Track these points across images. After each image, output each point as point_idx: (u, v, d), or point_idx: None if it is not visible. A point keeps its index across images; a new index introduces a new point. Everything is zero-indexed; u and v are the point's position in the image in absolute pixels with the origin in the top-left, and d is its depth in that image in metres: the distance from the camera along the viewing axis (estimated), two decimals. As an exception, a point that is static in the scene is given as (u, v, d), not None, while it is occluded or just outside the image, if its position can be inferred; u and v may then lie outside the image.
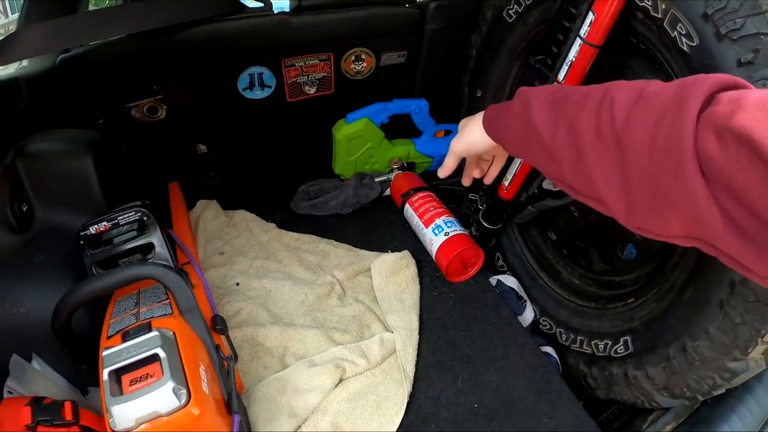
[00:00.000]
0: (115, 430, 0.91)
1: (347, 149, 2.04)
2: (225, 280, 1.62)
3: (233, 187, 2.15)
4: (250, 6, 1.98)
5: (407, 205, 1.79)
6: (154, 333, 1.00)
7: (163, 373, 0.94)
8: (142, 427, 0.91)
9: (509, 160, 1.48)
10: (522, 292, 1.61)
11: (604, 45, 1.15)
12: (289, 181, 2.12)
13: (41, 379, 1.27)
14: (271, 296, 1.55)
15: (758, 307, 0.93)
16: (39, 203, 1.41)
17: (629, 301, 1.29)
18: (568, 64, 1.20)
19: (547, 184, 1.40)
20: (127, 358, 0.97)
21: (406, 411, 1.24)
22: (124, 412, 0.91)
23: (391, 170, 2.04)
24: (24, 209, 1.40)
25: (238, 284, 1.60)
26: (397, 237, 1.79)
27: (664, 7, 1.00)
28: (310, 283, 1.60)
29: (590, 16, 1.11)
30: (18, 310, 1.27)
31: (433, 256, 1.64)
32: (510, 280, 1.63)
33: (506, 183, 1.53)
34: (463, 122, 1.18)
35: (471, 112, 1.72)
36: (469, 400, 1.27)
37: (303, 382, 1.27)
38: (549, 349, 1.46)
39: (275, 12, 1.91)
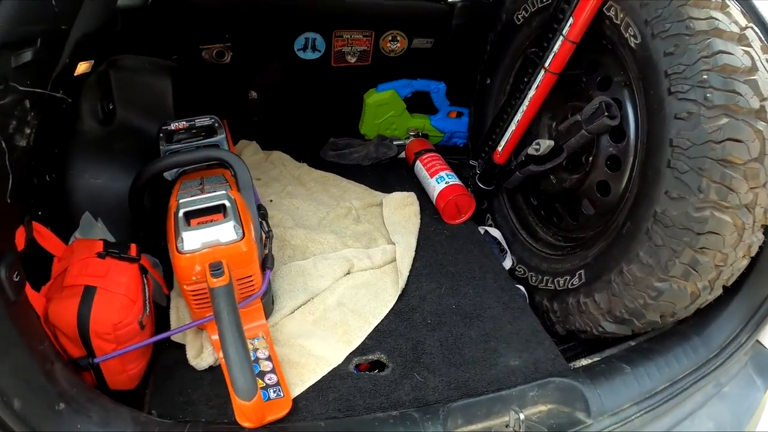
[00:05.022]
0: (183, 251, 1.15)
1: (374, 113, 2.32)
2: (261, 197, 1.86)
3: (272, 133, 2.41)
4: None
5: (418, 162, 2.07)
6: (223, 191, 1.25)
7: (226, 216, 1.20)
8: (205, 250, 1.15)
9: (504, 126, 1.76)
10: (504, 244, 1.87)
11: (580, 44, 1.48)
12: (320, 134, 2.39)
13: (104, 236, 1.46)
14: (298, 211, 1.83)
15: (674, 230, 1.17)
16: (122, 105, 1.69)
17: (587, 245, 1.54)
18: (552, 54, 1.53)
19: (531, 150, 1.64)
20: (199, 204, 1.22)
21: (397, 301, 1.50)
22: (193, 237, 1.16)
23: (408, 137, 2.33)
24: (110, 108, 1.66)
25: (271, 201, 1.88)
26: (405, 188, 2.01)
27: (621, 15, 1.33)
28: (332, 205, 1.88)
29: (570, 20, 1.45)
30: (95, 181, 1.52)
31: (434, 201, 1.91)
32: (495, 232, 1.89)
33: (499, 149, 1.81)
34: None
35: (480, 96, 2.04)
36: (448, 302, 1.52)
37: (318, 269, 1.55)
38: (520, 287, 1.69)
39: None
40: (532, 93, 1.62)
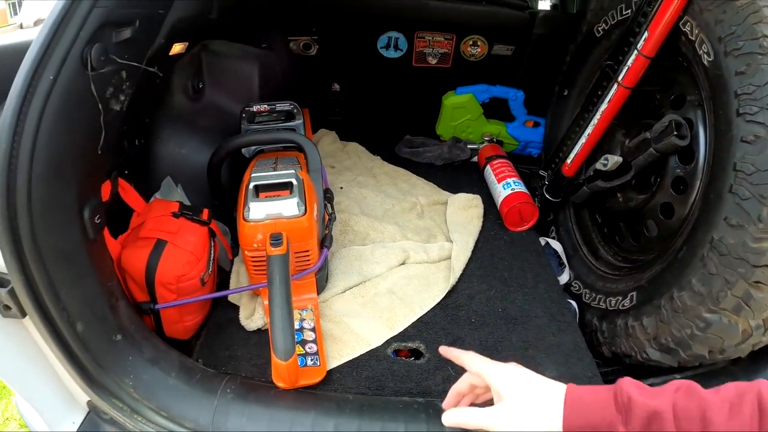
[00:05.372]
0: (248, 219, 1.25)
1: (451, 115, 2.37)
2: (332, 184, 1.96)
3: (351, 125, 2.50)
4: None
5: (488, 166, 2.09)
6: (293, 171, 1.34)
7: (292, 193, 1.29)
8: (268, 221, 1.25)
9: (575, 139, 1.75)
10: (563, 258, 1.85)
11: (657, 60, 1.46)
12: (396, 130, 2.46)
13: (181, 200, 1.58)
14: (365, 200, 1.90)
15: (728, 260, 1.12)
16: (210, 85, 1.83)
17: (643, 267, 1.50)
18: (626, 68, 1.51)
19: (599, 165, 1.62)
20: (268, 180, 1.32)
21: (445, 296, 1.52)
22: (259, 208, 1.26)
23: (483, 141, 2.34)
24: (199, 86, 1.80)
25: (342, 188, 1.96)
26: (473, 191, 2.04)
27: (696, 32, 1.29)
28: (399, 199, 1.93)
29: (645, 34, 1.43)
30: (179, 150, 1.65)
31: (498, 206, 1.92)
32: (556, 245, 1.88)
33: (569, 161, 1.80)
34: (517, 390, 0.85)
35: (557, 107, 2.03)
36: (496, 305, 1.53)
37: (375, 256, 1.60)
38: (572, 302, 1.68)
39: None
40: (603, 106, 1.60)
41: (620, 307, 1.48)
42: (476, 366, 0.93)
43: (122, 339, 1.11)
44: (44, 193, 0.91)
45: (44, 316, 0.97)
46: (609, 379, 1.41)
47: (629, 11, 1.58)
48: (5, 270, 0.94)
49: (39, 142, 0.88)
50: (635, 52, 1.47)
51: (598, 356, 1.48)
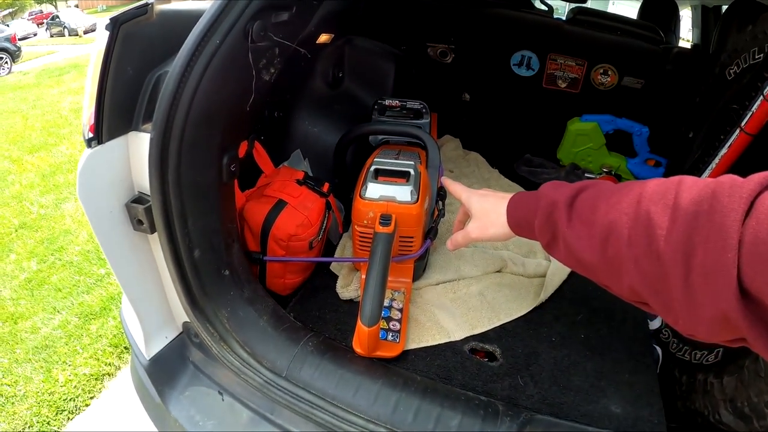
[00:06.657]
0: (363, 197, 1.36)
1: (573, 141, 2.35)
2: (448, 188, 2.05)
3: (475, 135, 2.53)
4: (537, 6, 2.47)
5: (600, 197, 2.07)
6: (412, 163, 1.43)
7: (408, 181, 1.37)
8: (381, 201, 1.34)
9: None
10: (656, 305, 1.81)
11: None
12: (518, 148, 2.47)
13: (306, 171, 1.72)
14: (475, 208, 1.96)
15: None
16: (349, 76, 1.98)
17: None
18: (750, 113, 1.45)
19: None
20: (389, 166, 1.41)
21: (532, 311, 1.54)
22: (376, 188, 1.36)
23: (601, 172, 2.32)
24: (339, 75, 1.96)
25: (456, 192, 2.03)
26: (583, 220, 2.04)
27: None
28: (508, 212, 1.98)
29: None
30: (312, 129, 1.80)
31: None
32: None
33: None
34: (480, 207, 1.11)
35: (680, 148, 1.99)
36: (579, 331, 1.52)
37: (474, 258, 1.66)
38: (657, 348, 1.64)
39: (554, 17, 2.35)
40: (723, 151, 1.56)
41: (704, 362, 1.44)
42: (456, 192, 1.19)
43: (229, 275, 1.24)
44: (195, 133, 1.05)
45: (170, 236, 1.10)
46: (674, 434, 1.38)
47: (761, 55, 1.52)
48: (147, 191, 1.08)
49: (199, 92, 1.01)
50: (761, 98, 1.41)
51: (670, 410, 1.43)
